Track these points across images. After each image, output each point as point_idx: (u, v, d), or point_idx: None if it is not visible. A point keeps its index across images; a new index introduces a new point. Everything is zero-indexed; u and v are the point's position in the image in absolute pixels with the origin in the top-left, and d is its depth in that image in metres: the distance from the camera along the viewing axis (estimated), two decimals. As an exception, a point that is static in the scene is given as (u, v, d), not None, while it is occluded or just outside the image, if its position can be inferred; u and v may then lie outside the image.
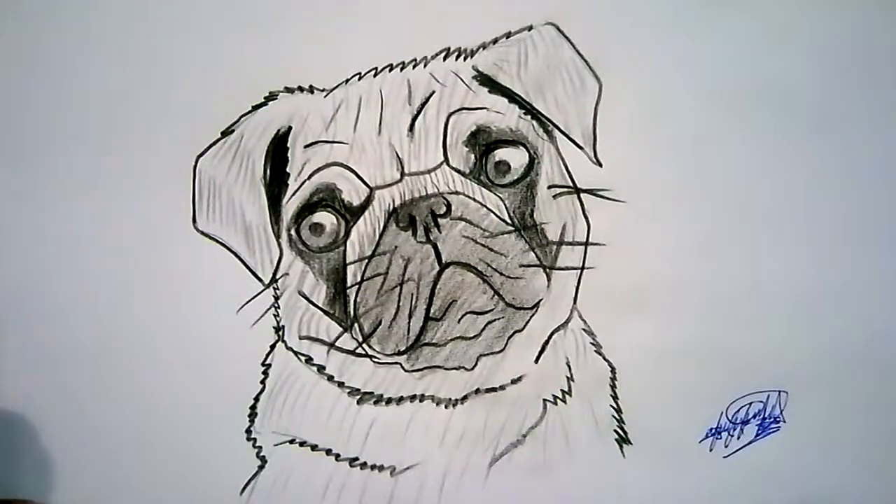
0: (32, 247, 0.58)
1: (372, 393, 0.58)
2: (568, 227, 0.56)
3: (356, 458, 0.59)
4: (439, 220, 0.53)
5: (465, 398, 0.58)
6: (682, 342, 0.58)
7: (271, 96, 0.56)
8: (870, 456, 0.60)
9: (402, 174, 0.55)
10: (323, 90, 0.56)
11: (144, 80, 0.57)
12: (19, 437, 0.59)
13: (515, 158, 0.56)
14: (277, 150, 0.56)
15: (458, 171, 0.55)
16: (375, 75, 0.56)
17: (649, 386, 0.58)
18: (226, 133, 0.56)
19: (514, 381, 0.58)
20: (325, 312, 0.57)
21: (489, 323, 0.55)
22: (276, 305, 0.58)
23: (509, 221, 0.55)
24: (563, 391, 0.59)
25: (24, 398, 0.59)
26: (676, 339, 0.58)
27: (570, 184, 0.57)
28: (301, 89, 0.57)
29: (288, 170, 0.56)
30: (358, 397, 0.58)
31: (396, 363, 0.57)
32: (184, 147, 0.56)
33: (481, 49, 0.56)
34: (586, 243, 0.57)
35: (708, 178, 0.57)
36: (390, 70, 0.56)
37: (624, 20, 0.57)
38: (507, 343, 0.56)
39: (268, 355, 0.58)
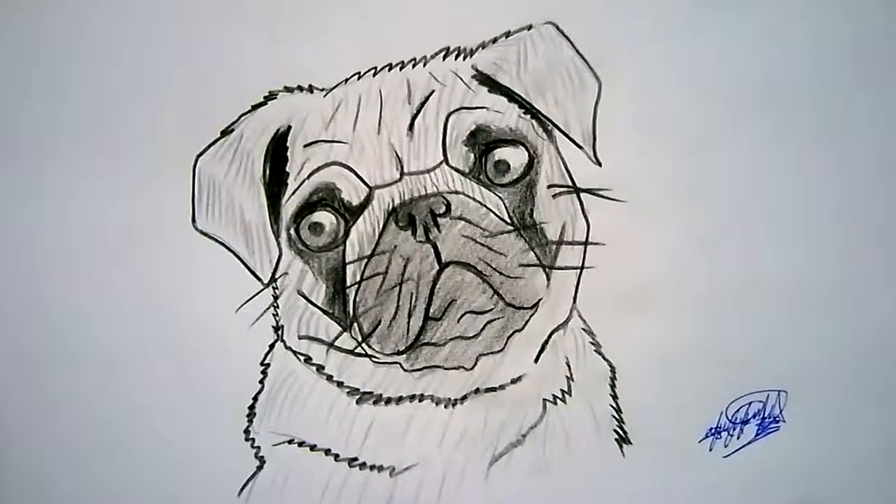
0: (29, 247, 0.58)
1: (371, 393, 0.58)
2: (567, 227, 0.56)
3: (355, 458, 0.58)
4: (439, 219, 0.53)
5: (464, 398, 0.58)
6: (682, 342, 0.58)
7: (271, 96, 0.56)
8: (870, 456, 0.60)
9: (402, 173, 0.54)
10: (322, 90, 0.56)
11: (143, 79, 0.57)
12: (14, 438, 0.59)
13: (515, 158, 0.55)
14: (277, 150, 0.56)
15: (458, 171, 0.55)
16: (375, 75, 0.56)
17: (649, 386, 0.58)
18: (225, 133, 0.56)
19: (513, 381, 0.58)
20: (325, 312, 0.56)
21: (489, 322, 0.55)
22: (275, 305, 0.57)
23: (509, 221, 0.55)
24: (562, 391, 0.58)
25: (21, 400, 0.59)
26: (676, 338, 0.58)
27: (570, 183, 0.57)
28: (300, 89, 0.56)
29: (287, 169, 0.56)
30: (357, 397, 0.58)
31: (396, 363, 0.56)
32: (183, 147, 0.56)
33: (481, 48, 0.56)
34: (586, 243, 0.57)
35: (708, 178, 0.57)
36: (390, 69, 0.56)
37: (624, 20, 0.57)
38: (506, 343, 0.56)
39: (267, 355, 0.58)
